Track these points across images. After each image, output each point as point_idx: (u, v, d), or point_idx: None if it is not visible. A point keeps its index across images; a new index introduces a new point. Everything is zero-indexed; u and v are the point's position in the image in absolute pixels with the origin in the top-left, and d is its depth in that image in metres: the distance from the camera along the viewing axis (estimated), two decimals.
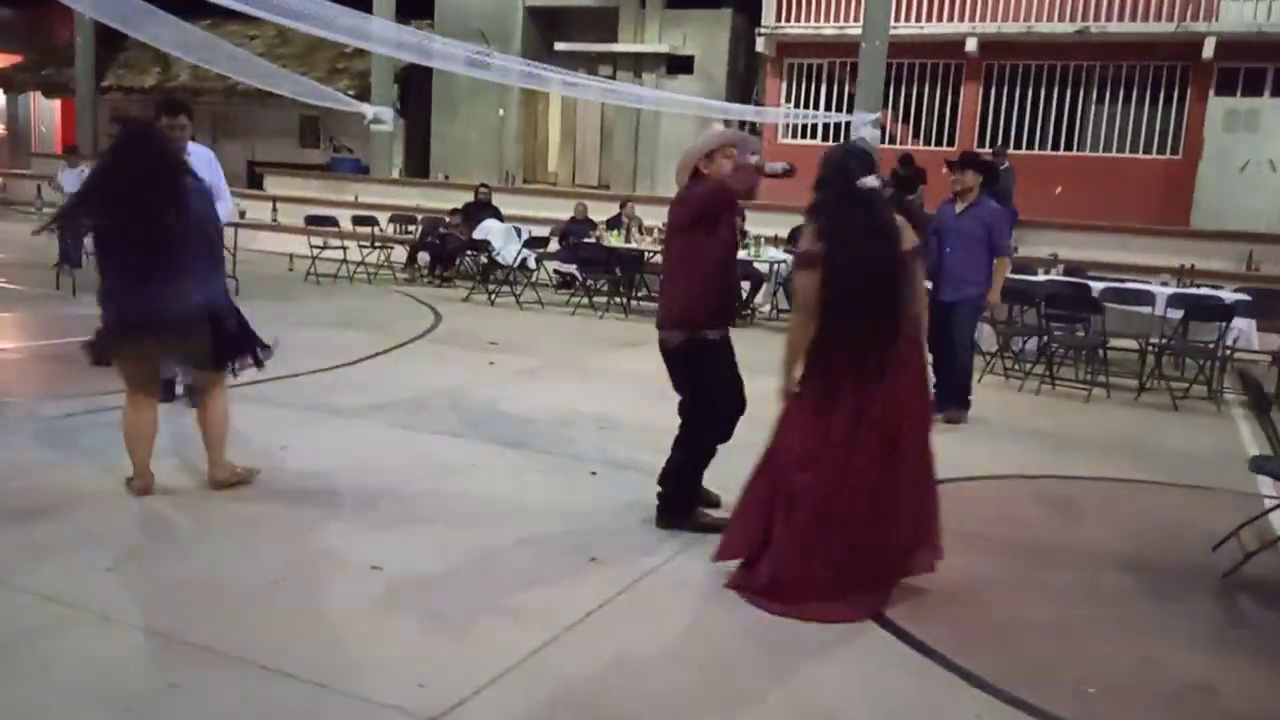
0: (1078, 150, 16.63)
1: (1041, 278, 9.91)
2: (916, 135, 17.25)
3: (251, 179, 21.98)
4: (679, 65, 18.84)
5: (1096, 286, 9.22)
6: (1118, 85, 16.33)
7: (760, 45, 17.62)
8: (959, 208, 6.83)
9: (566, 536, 4.23)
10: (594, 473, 5.14)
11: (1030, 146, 16.60)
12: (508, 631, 3.34)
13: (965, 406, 6.88)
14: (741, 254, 11.33)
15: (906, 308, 3.66)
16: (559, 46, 19.23)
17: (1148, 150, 16.28)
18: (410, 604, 3.52)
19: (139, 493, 4.38)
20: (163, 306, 4.16)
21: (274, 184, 18.90)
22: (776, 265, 11.35)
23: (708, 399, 4.26)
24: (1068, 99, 16.62)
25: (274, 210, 14.84)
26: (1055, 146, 16.69)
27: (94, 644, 3.13)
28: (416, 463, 5.22)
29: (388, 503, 4.54)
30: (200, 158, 5.44)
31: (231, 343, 4.46)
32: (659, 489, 4.36)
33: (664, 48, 18.76)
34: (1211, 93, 15.73)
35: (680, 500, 4.34)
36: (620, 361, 8.66)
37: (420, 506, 4.52)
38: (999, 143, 14.98)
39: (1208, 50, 15.05)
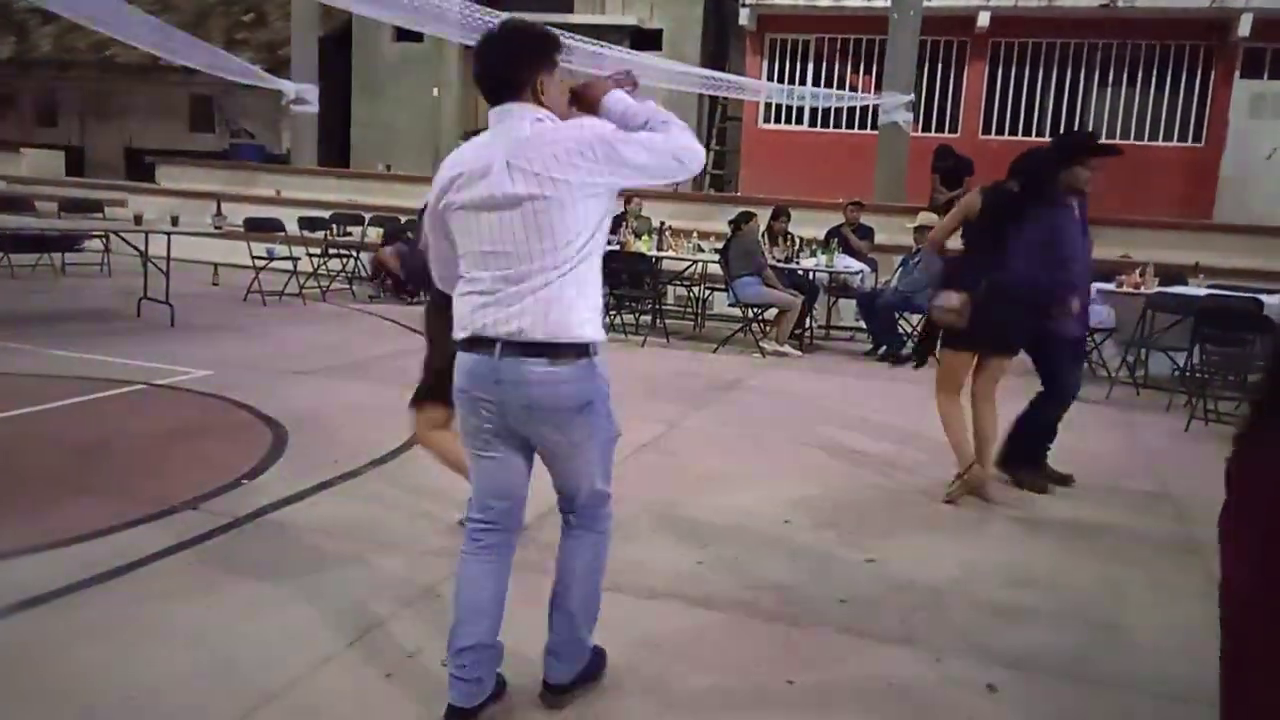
0: None
1: (1193, 290, 8.30)
2: (915, 120, 15.57)
3: (131, 169, 18.72)
4: (646, 40, 16.63)
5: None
6: (1135, 66, 15.07)
7: (744, 18, 15.62)
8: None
9: None
10: (991, 687, 3.04)
11: (1040, 133, 15.18)
12: None
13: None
14: (809, 262, 9.43)
15: None
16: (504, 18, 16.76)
17: (1167, 137, 15.09)
18: None
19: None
20: None
21: (169, 175, 15.86)
22: (855, 277, 9.42)
23: None
24: (1080, 81, 15.27)
25: (218, 213, 11.96)
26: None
27: None
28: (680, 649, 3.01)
29: None
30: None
31: None
32: None
33: (629, 20, 16.56)
34: (1237, 75, 14.62)
35: None
36: (729, 412, 6.55)
37: None
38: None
39: (1242, 28, 13.88)
